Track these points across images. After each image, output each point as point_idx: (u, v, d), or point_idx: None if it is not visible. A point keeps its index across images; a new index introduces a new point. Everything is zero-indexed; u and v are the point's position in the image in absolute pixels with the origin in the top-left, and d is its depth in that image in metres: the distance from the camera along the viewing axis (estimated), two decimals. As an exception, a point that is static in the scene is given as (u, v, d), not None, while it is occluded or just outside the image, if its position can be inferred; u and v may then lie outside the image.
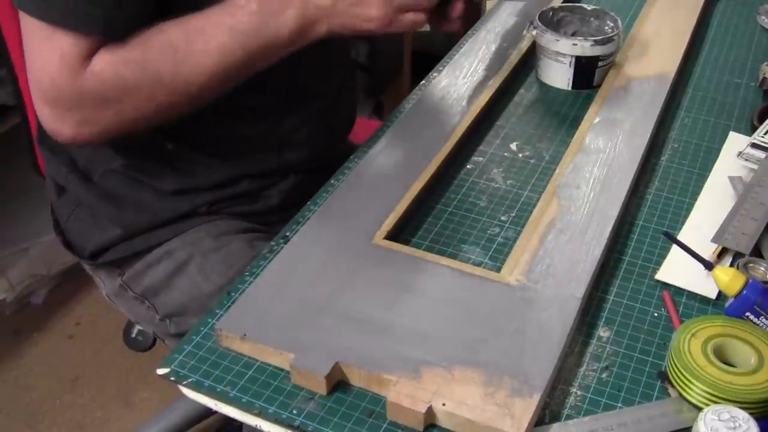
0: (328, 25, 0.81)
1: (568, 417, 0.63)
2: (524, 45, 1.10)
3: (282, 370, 0.65)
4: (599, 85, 1.02)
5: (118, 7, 0.76)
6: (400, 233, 0.80)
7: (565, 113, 1.00)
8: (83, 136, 0.80)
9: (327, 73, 1.00)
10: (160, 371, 0.66)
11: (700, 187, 0.87)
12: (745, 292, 0.68)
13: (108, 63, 0.77)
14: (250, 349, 0.66)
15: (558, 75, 1.04)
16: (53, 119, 0.79)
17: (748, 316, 0.68)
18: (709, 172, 0.89)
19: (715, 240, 0.78)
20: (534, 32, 1.04)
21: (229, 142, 0.93)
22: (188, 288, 0.93)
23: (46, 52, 0.76)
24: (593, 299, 0.73)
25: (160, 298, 0.95)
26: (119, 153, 0.92)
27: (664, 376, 0.65)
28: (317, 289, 0.71)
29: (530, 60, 1.09)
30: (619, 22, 1.04)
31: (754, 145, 0.90)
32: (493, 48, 1.10)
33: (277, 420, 0.62)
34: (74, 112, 0.78)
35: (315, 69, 0.96)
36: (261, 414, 0.62)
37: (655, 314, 0.72)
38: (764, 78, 1.04)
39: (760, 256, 0.77)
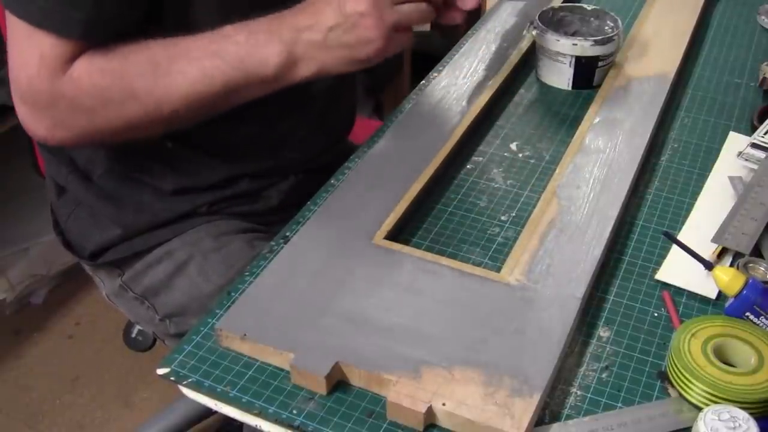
0: (320, 63, 0.78)
1: (568, 417, 0.63)
2: (524, 45, 1.10)
3: (282, 370, 0.65)
4: (599, 85, 1.02)
5: (99, 11, 0.76)
6: (400, 233, 0.80)
7: (565, 113, 1.00)
8: (55, 139, 0.81)
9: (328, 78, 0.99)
10: (160, 371, 0.66)
11: (700, 187, 0.87)
12: (745, 292, 0.68)
13: (86, 70, 0.77)
14: (250, 349, 0.66)
15: (558, 75, 1.04)
16: (28, 117, 0.80)
17: (748, 316, 0.68)
18: (709, 172, 0.89)
19: (715, 240, 0.78)
20: (534, 32, 1.04)
21: (229, 142, 0.93)
22: (188, 288, 0.93)
23: (27, 52, 0.77)
24: (593, 299, 0.73)
25: (160, 298, 0.95)
26: (119, 153, 0.92)
27: (664, 376, 0.65)
28: (317, 289, 0.71)
29: (530, 60, 1.09)
30: (619, 22, 1.04)
31: (754, 145, 0.90)
32: (493, 48, 1.10)
33: (277, 420, 0.62)
34: (48, 113, 0.79)
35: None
36: (261, 414, 0.62)
37: (655, 314, 0.72)
38: (764, 78, 1.04)
39: (760, 256, 0.77)
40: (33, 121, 0.80)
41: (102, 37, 0.77)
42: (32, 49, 0.76)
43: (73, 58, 0.77)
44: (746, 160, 0.89)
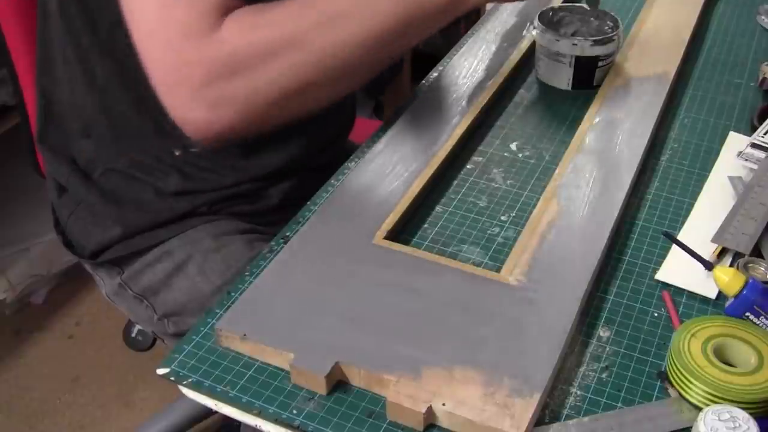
0: None
1: (568, 417, 0.63)
2: (524, 45, 1.10)
3: (282, 370, 0.65)
4: (599, 85, 1.02)
5: None
6: (400, 233, 0.80)
7: (565, 113, 1.00)
8: (221, 121, 0.72)
9: None
10: (160, 371, 0.66)
11: (700, 187, 0.87)
12: (745, 292, 0.68)
13: (237, 28, 0.70)
14: (250, 349, 0.66)
15: (558, 75, 1.04)
16: (184, 103, 0.71)
17: (748, 316, 0.68)
18: (709, 172, 0.89)
19: (715, 240, 0.78)
20: (534, 32, 1.04)
21: (234, 145, 0.92)
22: (187, 288, 0.93)
23: (165, 26, 0.70)
24: (593, 299, 0.73)
25: (159, 297, 0.96)
26: (120, 153, 0.92)
27: (664, 376, 0.65)
28: (317, 289, 0.71)
29: (530, 60, 1.09)
30: (619, 22, 1.04)
31: (754, 145, 0.90)
32: (493, 48, 1.10)
33: (276, 420, 0.62)
34: (206, 88, 0.70)
35: None
36: (261, 414, 0.62)
37: (655, 314, 0.72)
38: (764, 78, 1.04)
39: (760, 256, 0.77)
40: (191, 105, 0.71)
41: None
42: (170, 20, 0.69)
43: (217, 20, 0.70)
44: (746, 160, 0.89)
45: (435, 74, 1.04)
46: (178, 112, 0.72)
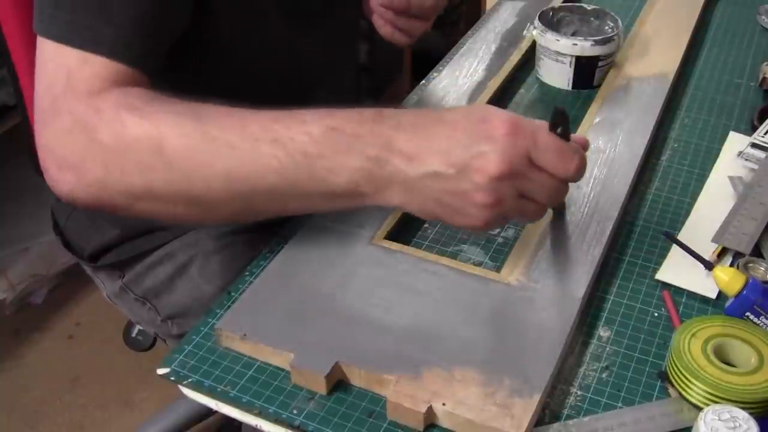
0: (401, 201, 0.64)
1: (568, 417, 0.63)
2: (524, 45, 1.10)
3: (282, 370, 0.65)
4: (599, 85, 1.02)
5: (132, 29, 0.68)
6: (400, 233, 0.80)
7: (565, 113, 1.00)
8: (63, 182, 0.68)
9: (333, 77, 0.99)
10: (160, 371, 0.66)
11: (700, 187, 0.87)
12: (745, 292, 0.68)
13: (115, 103, 0.66)
14: (250, 349, 0.66)
15: (558, 75, 1.04)
16: (41, 149, 0.68)
17: (748, 316, 0.68)
18: (709, 172, 0.89)
19: (715, 240, 0.78)
20: (534, 32, 1.04)
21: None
22: (189, 289, 0.93)
23: (53, 71, 0.68)
24: (593, 299, 0.73)
25: (162, 299, 0.95)
26: None
27: (664, 376, 0.65)
28: (317, 289, 0.71)
29: (530, 60, 1.09)
30: (619, 22, 1.04)
31: (754, 145, 0.90)
32: (493, 48, 1.10)
33: (277, 420, 0.62)
34: (59, 144, 0.67)
35: (321, 73, 0.96)
36: (261, 414, 0.62)
37: (655, 314, 0.72)
38: (764, 78, 1.04)
39: (760, 256, 0.77)
40: (45, 154, 0.68)
41: (135, 60, 0.68)
42: (59, 66, 0.67)
43: (104, 85, 0.67)
44: (746, 160, 0.89)
45: (435, 74, 1.04)
46: (39, 154, 0.69)
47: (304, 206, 0.67)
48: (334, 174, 0.63)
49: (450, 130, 0.62)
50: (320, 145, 0.62)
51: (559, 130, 0.64)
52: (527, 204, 0.64)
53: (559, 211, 0.78)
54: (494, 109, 0.64)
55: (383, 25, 0.93)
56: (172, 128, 0.64)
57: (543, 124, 0.64)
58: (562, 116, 0.64)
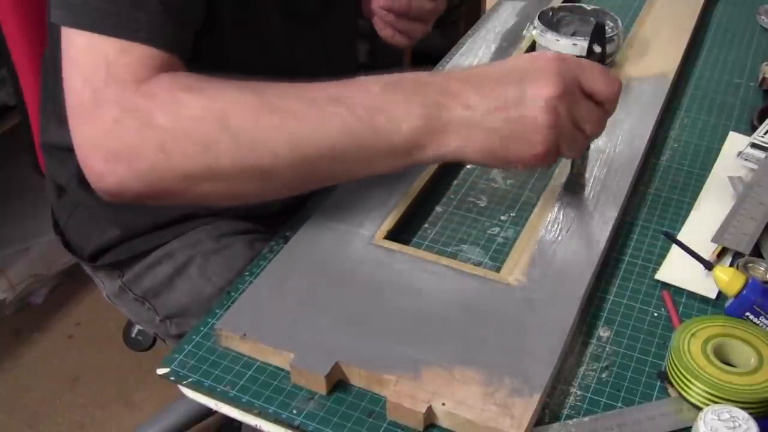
0: (462, 141, 0.65)
1: (568, 417, 0.63)
2: (524, 45, 1.10)
3: (282, 370, 0.65)
4: (599, 85, 1.02)
5: (166, 15, 0.67)
6: (400, 233, 0.80)
7: (565, 113, 1.00)
8: (111, 175, 0.65)
9: (331, 78, 0.99)
10: (160, 371, 0.66)
11: (700, 187, 0.87)
12: (745, 292, 0.68)
13: (167, 86, 0.65)
14: (250, 349, 0.66)
15: (558, 75, 1.04)
16: (84, 145, 0.66)
17: (748, 316, 0.68)
18: (709, 172, 0.89)
19: (715, 240, 0.78)
20: (534, 32, 1.04)
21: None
22: (189, 290, 0.93)
23: (89, 63, 0.66)
24: (593, 299, 0.73)
25: (161, 299, 0.95)
26: None
27: (664, 376, 0.65)
28: (317, 289, 0.70)
29: (530, 60, 1.09)
30: (619, 22, 1.04)
31: (754, 145, 0.90)
32: (493, 48, 1.10)
33: (277, 420, 0.62)
34: (109, 136, 0.64)
35: (319, 74, 0.95)
36: (261, 414, 0.62)
37: (655, 314, 0.72)
38: (764, 78, 1.04)
39: (760, 256, 0.77)
40: (90, 150, 0.65)
41: (171, 45, 0.67)
42: (95, 58, 0.65)
43: (149, 71, 0.66)
44: (746, 160, 0.89)
45: (435, 74, 1.04)
46: (80, 152, 0.67)
47: (366, 167, 0.67)
48: (396, 124, 0.64)
49: (500, 70, 0.67)
50: (380, 98, 0.64)
51: (595, 45, 0.74)
52: (577, 133, 0.68)
53: (579, 175, 0.82)
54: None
55: (384, 27, 0.93)
56: (233, 103, 0.64)
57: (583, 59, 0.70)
58: (601, 30, 0.74)
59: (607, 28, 1.05)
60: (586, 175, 0.85)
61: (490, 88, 0.65)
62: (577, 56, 0.99)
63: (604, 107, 0.69)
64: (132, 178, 0.65)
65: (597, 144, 0.90)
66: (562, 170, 0.86)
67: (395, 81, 0.65)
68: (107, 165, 0.65)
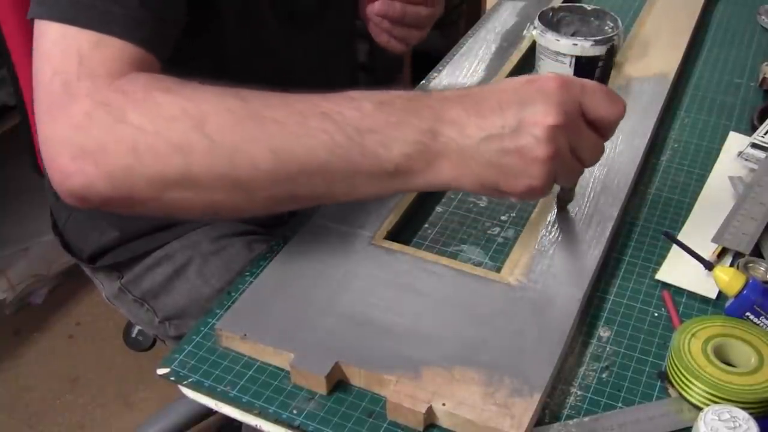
0: (457, 173, 0.61)
1: (568, 417, 0.63)
2: (524, 45, 1.10)
3: (282, 370, 0.65)
4: (599, 85, 1.02)
5: (143, 10, 0.64)
6: (400, 233, 0.80)
7: (565, 113, 1.00)
8: (78, 174, 0.61)
9: (328, 80, 0.99)
10: (160, 371, 0.66)
11: (700, 187, 0.87)
12: (745, 292, 0.68)
13: (143, 84, 0.62)
14: (250, 349, 0.66)
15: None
16: (51, 141, 0.62)
17: (748, 316, 0.68)
18: (709, 172, 0.89)
19: (715, 240, 0.78)
20: (534, 32, 1.04)
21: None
22: (187, 291, 0.93)
23: (61, 55, 0.63)
24: (593, 299, 0.73)
25: (160, 301, 0.95)
26: None
27: (664, 376, 0.65)
28: (317, 289, 0.70)
29: (530, 60, 1.09)
30: (619, 22, 1.04)
31: (754, 145, 0.90)
32: (493, 48, 1.10)
33: (277, 420, 0.62)
34: (79, 131, 0.60)
35: (317, 76, 0.96)
36: (261, 414, 0.62)
37: (655, 314, 0.72)
38: (764, 78, 1.04)
39: (760, 256, 0.77)
40: (58, 147, 0.61)
41: (148, 42, 0.65)
42: (67, 50, 0.62)
43: (123, 68, 0.63)
44: (746, 160, 0.89)
45: (435, 74, 1.04)
46: (46, 148, 0.62)
47: (351, 189, 0.62)
48: (387, 148, 0.60)
49: (498, 94, 0.61)
50: (371, 119, 0.60)
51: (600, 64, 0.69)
52: (575, 163, 0.64)
53: (565, 202, 0.79)
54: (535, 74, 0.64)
55: (379, 33, 0.92)
56: (213, 106, 0.60)
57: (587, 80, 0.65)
58: (613, 50, 0.73)
59: (607, 28, 1.05)
60: (586, 176, 0.85)
61: (487, 115, 0.60)
62: (577, 57, 1.00)
63: (603, 133, 0.65)
64: (99, 178, 0.61)
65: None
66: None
67: (389, 100, 0.61)
68: (75, 163, 0.60)
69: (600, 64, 0.74)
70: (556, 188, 0.79)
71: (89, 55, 0.62)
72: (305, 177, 0.61)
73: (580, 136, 0.62)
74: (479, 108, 0.61)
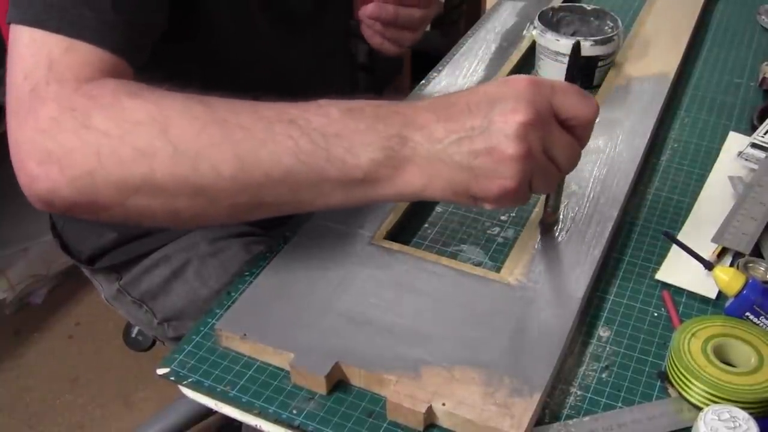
0: (426, 179, 0.60)
1: (568, 417, 0.63)
2: (524, 45, 1.10)
3: (282, 370, 0.65)
4: (599, 85, 1.02)
5: (116, 15, 0.64)
6: (400, 233, 0.80)
7: (565, 113, 1.00)
8: (44, 179, 0.61)
9: (324, 82, 0.99)
10: (160, 371, 0.66)
11: (700, 187, 0.87)
12: (745, 292, 0.68)
13: (111, 89, 0.61)
14: (250, 349, 0.66)
15: (558, 75, 1.04)
16: (18, 144, 0.62)
17: (748, 316, 0.68)
18: (709, 172, 0.89)
19: (715, 240, 0.78)
20: (534, 32, 1.04)
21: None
22: (186, 292, 0.93)
23: (32, 58, 0.63)
24: (593, 299, 0.73)
25: (158, 302, 0.95)
26: None
27: (664, 376, 0.65)
28: (317, 289, 0.70)
29: (530, 60, 1.09)
30: (619, 22, 1.04)
31: (754, 145, 0.90)
32: (493, 48, 1.10)
33: (277, 420, 0.62)
34: (45, 135, 0.60)
35: (312, 79, 0.95)
36: (261, 414, 0.62)
37: (655, 314, 0.72)
38: (764, 78, 1.04)
39: (760, 256, 0.77)
40: (25, 148, 0.61)
41: (120, 48, 0.64)
42: (38, 54, 0.62)
43: (92, 73, 0.63)
44: (746, 160, 0.89)
45: (435, 74, 1.04)
46: (15, 152, 0.62)
47: (317, 198, 0.61)
48: (353, 155, 0.59)
49: (467, 97, 0.60)
50: (338, 124, 0.59)
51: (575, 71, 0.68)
52: (550, 165, 0.61)
53: (550, 225, 0.78)
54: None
55: (372, 35, 0.92)
56: (178, 111, 0.60)
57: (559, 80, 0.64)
58: (578, 49, 0.68)
59: (606, 28, 1.05)
60: (586, 176, 0.85)
61: (456, 118, 0.59)
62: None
63: (578, 134, 0.63)
64: (63, 183, 0.60)
65: (597, 144, 0.90)
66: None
67: (358, 107, 0.61)
68: (40, 167, 0.61)
69: (599, 64, 0.74)
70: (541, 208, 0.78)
71: (59, 60, 0.62)
72: (270, 184, 0.60)
73: (553, 135, 0.61)
74: (448, 112, 0.60)
